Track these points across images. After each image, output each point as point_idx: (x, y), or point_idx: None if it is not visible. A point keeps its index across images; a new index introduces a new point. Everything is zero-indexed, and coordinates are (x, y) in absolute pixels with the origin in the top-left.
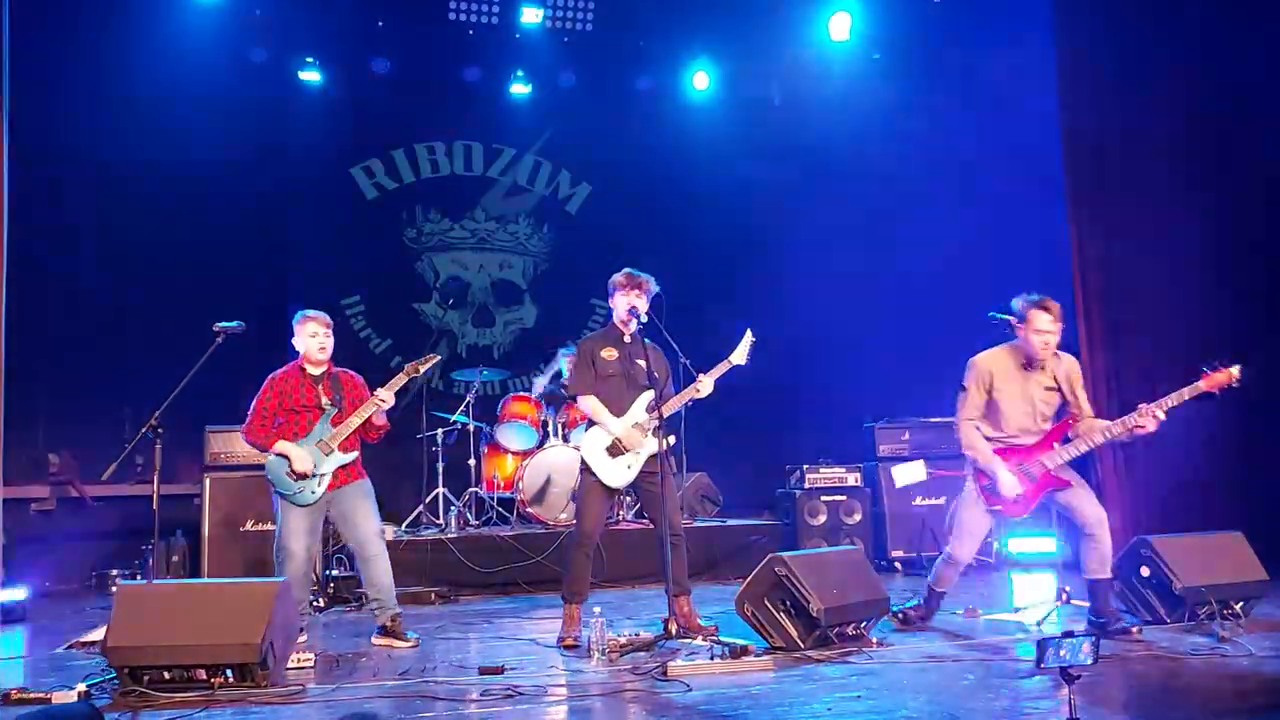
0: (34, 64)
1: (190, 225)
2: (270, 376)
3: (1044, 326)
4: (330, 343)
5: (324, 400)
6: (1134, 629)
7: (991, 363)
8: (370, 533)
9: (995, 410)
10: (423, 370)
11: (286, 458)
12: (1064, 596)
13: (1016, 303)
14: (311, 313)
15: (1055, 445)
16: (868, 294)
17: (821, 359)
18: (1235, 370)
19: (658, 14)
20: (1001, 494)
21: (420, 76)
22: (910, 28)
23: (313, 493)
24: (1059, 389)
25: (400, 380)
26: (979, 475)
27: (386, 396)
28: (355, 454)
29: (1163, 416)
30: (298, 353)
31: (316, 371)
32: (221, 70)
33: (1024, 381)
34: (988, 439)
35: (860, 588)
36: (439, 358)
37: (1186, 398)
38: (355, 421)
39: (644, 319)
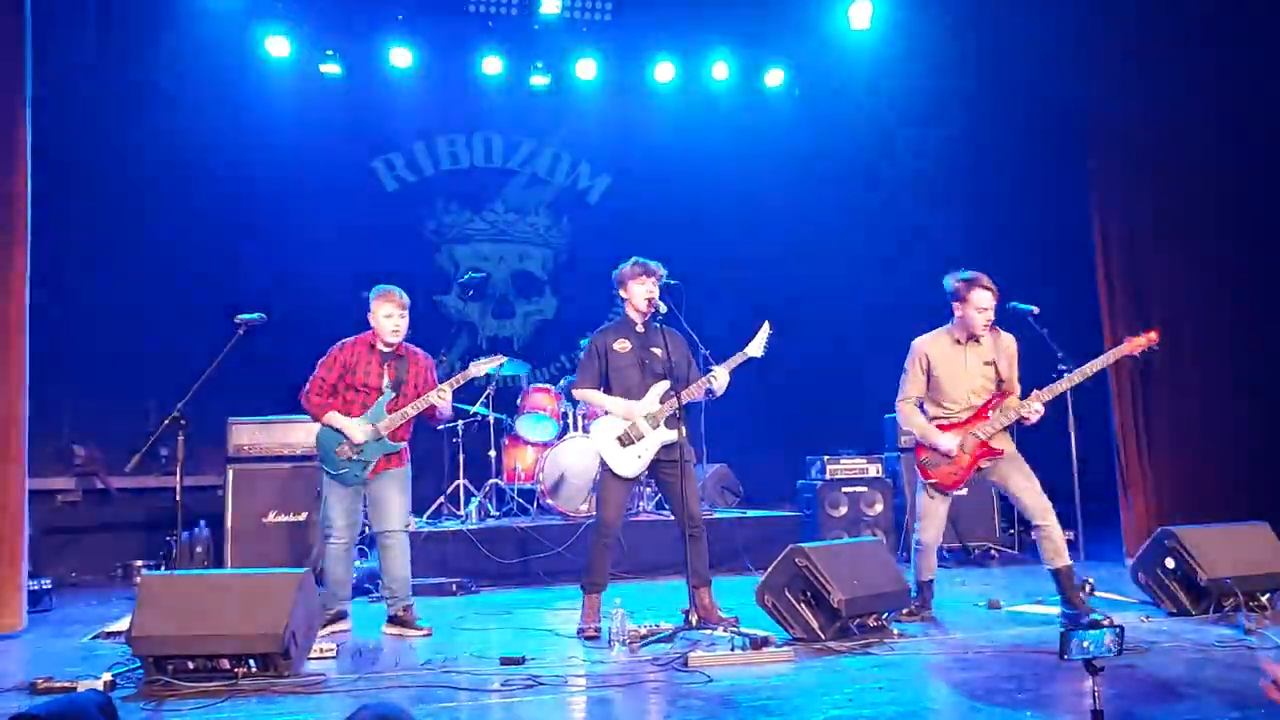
0: (54, 60)
1: (211, 217)
2: (338, 344)
3: (985, 304)
4: (404, 324)
5: (386, 382)
6: (1104, 620)
7: (927, 345)
8: (395, 524)
9: (938, 388)
10: (486, 370)
11: (338, 431)
12: (1087, 588)
13: (951, 281)
14: (388, 290)
15: (989, 415)
16: (889, 284)
17: (842, 350)
18: (1154, 334)
19: (677, 4)
20: (940, 455)
21: (440, 68)
22: (931, 15)
23: (356, 476)
24: (995, 363)
25: (462, 378)
26: (918, 452)
27: (446, 393)
28: (403, 444)
29: (1047, 398)
30: (360, 332)
31: (386, 349)
32: (241, 63)
33: (962, 358)
34: (933, 418)
35: (881, 579)
36: (503, 359)
37: (1112, 360)
38: (410, 412)
39: (661, 309)
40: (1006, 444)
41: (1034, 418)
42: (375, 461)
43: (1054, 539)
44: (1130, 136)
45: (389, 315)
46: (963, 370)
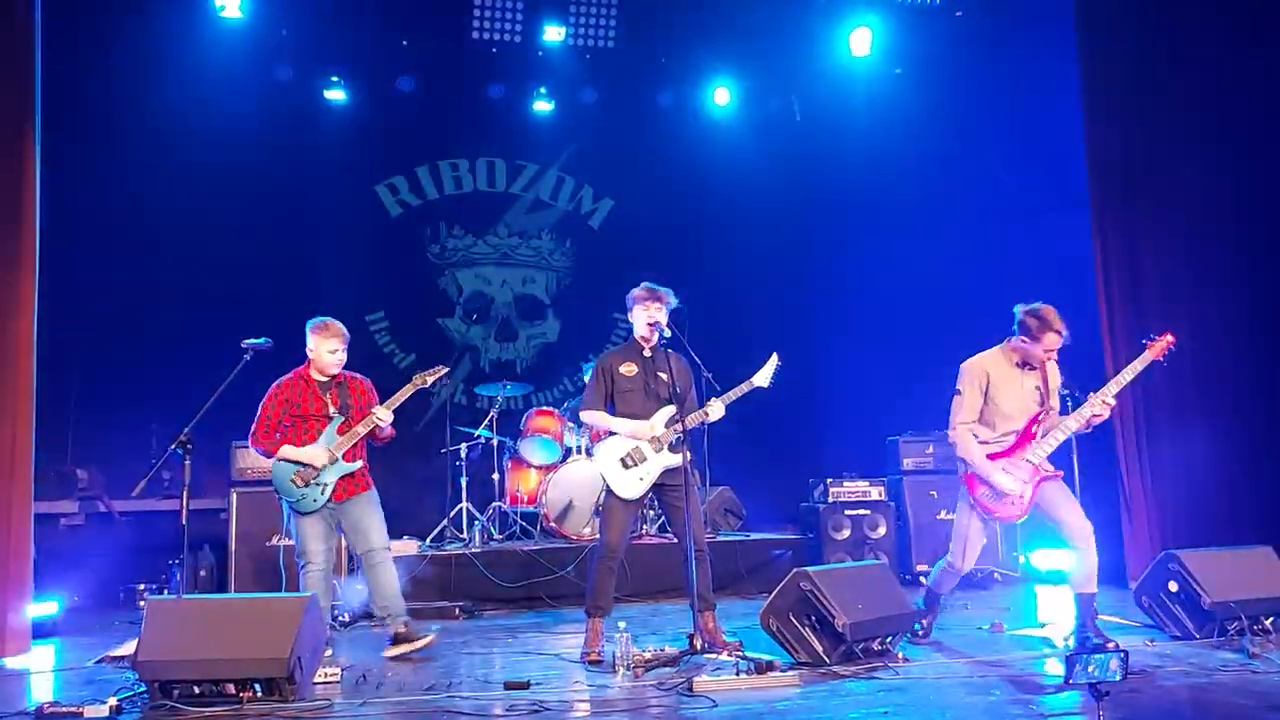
0: (63, 85)
1: (216, 242)
2: (275, 383)
3: (1052, 346)
4: (345, 356)
5: (331, 409)
6: (1109, 643)
7: (988, 364)
8: (378, 542)
9: (993, 411)
10: (430, 382)
11: (293, 463)
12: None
13: (1025, 316)
14: (332, 324)
15: (1034, 439)
16: (891, 307)
17: (845, 372)
18: (1170, 336)
19: (679, 31)
20: (1003, 496)
21: (444, 94)
22: (932, 42)
23: (315, 500)
24: (1041, 389)
25: (405, 393)
26: (972, 484)
27: (384, 415)
28: (360, 463)
29: (1112, 401)
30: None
31: (324, 379)
32: (247, 89)
33: (1020, 381)
34: (983, 443)
35: (885, 602)
36: (445, 370)
37: (1140, 369)
38: (360, 431)
39: (666, 333)
40: (1054, 469)
41: (1107, 413)
42: (335, 484)
43: (1088, 565)
44: (1130, 163)
45: (334, 350)
46: (1019, 392)
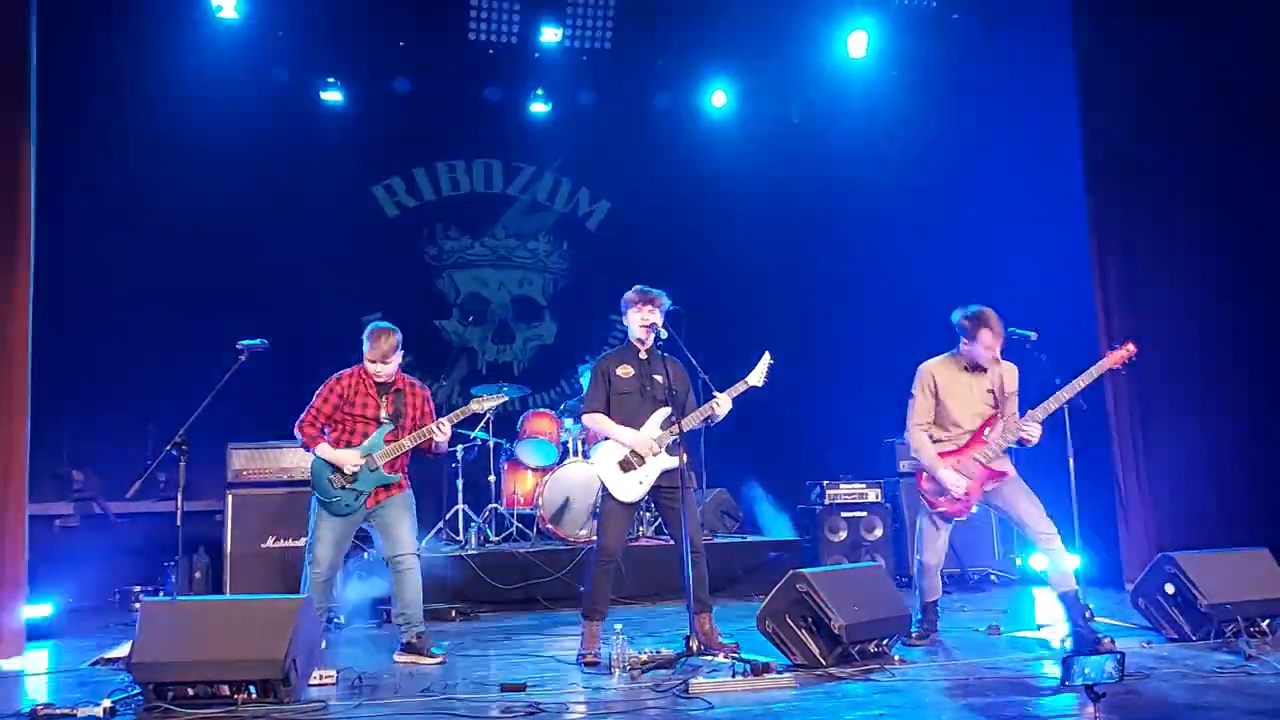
0: (58, 85)
1: (212, 243)
2: (335, 375)
3: (990, 344)
4: (386, 369)
5: (384, 414)
6: (1106, 640)
7: (935, 369)
8: (407, 547)
9: (944, 413)
10: (486, 408)
11: (330, 462)
12: (1087, 614)
13: (961, 319)
14: (377, 336)
15: (984, 439)
16: (887, 309)
17: (841, 375)
18: (1131, 346)
19: (676, 33)
20: (946, 492)
21: (441, 96)
22: (928, 44)
23: (347, 505)
24: (995, 390)
25: (461, 414)
26: (919, 480)
27: (445, 428)
28: (398, 476)
29: (1037, 427)
30: (359, 360)
31: (383, 380)
32: (244, 91)
33: (969, 384)
34: (935, 441)
35: (882, 604)
36: (504, 399)
37: (1095, 375)
38: (407, 444)
39: (662, 335)
40: (1008, 466)
41: (1033, 438)
42: (369, 492)
43: (1059, 563)
44: (1126, 162)
45: (373, 361)
46: (968, 395)
